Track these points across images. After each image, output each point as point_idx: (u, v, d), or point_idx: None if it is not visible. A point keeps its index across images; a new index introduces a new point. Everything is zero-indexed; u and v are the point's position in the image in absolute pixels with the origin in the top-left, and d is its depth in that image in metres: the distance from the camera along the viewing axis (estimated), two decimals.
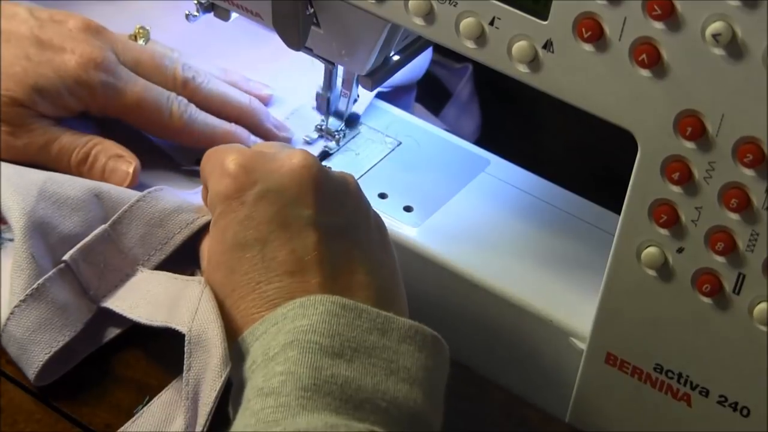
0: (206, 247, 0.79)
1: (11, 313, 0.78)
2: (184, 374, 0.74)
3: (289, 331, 0.70)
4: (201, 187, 0.83)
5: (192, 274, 0.81)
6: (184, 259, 0.82)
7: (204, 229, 0.81)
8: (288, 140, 0.95)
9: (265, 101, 0.97)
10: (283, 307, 0.72)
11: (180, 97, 0.90)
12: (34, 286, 0.78)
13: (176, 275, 0.80)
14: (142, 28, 0.94)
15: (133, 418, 0.77)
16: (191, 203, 0.83)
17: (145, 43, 0.93)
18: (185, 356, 0.74)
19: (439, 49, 1.12)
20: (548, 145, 1.16)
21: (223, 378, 0.71)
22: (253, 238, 0.75)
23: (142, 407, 0.78)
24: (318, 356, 0.69)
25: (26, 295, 0.78)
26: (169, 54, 0.93)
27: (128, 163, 0.87)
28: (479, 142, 1.07)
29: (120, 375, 0.80)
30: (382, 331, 0.71)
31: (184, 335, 0.76)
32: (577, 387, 0.82)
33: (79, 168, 0.87)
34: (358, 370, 0.69)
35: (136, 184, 0.86)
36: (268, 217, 0.75)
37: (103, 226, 0.81)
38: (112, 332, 0.81)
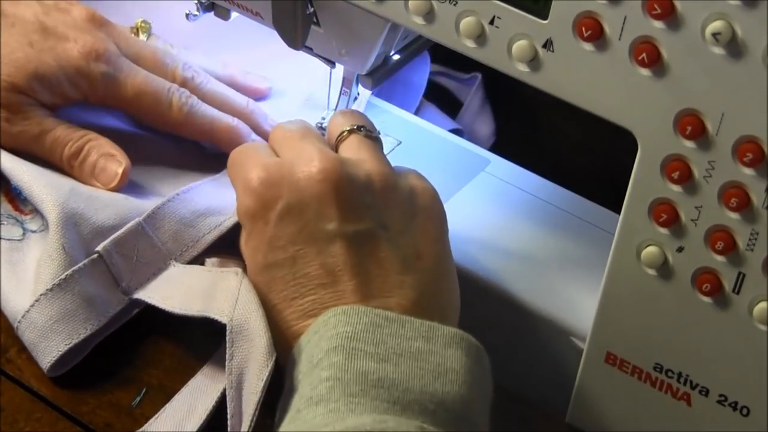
0: (245, 252, 0.79)
1: (36, 300, 0.79)
2: (227, 363, 0.74)
3: (332, 337, 0.71)
4: (219, 175, 0.86)
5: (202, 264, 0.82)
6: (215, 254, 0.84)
7: (238, 227, 0.82)
8: None
9: (263, 95, 0.97)
10: (324, 315, 0.73)
11: (181, 89, 0.89)
12: (62, 276, 0.79)
13: (210, 268, 0.81)
14: (144, 21, 0.94)
15: (164, 408, 0.78)
16: (219, 205, 0.85)
17: (147, 38, 0.94)
18: (227, 345, 0.75)
19: (446, 60, 1.13)
20: (548, 144, 1.16)
21: (269, 367, 0.72)
22: (282, 258, 0.75)
23: (139, 399, 0.78)
24: (364, 362, 0.69)
25: (53, 284, 0.79)
26: (170, 52, 0.93)
27: (118, 163, 0.86)
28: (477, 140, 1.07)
29: (120, 374, 0.80)
30: (427, 338, 0.72)
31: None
32: (576, 386, 0.82)
33: (71, 161, 0.87)
34: (406, 372, 0.69)
35: (124, 185, 0.86)
36: (293, 236, 0.75)
37: (137, 219, 0.82)
38: (129, 315, 0.82)
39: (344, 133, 0.81)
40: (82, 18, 0.88)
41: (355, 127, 0.81)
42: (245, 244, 0.78)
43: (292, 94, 0.99)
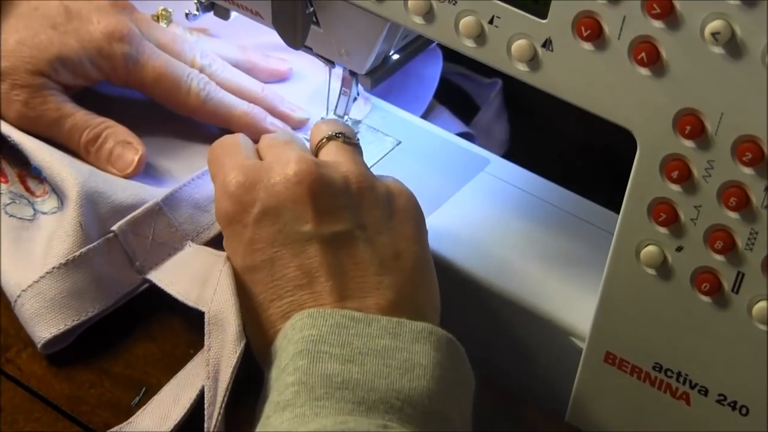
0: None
1: (48, 272, 0.79)
2: (204, 354, 0.75)
3: (298, 341, 0.71)
4: None
5: None
6: None
7: None
8: (305, 121, 0.95)
9: (284, 76, 0.99)
10: (292, 319, 0.73)
11: (200, 75, 0.91)
12: (76, 253, 0.80)
13: (217, 251, 0.81)
14: (164, 10, 0.96)
15: (152, 400, 0.78)
16: None
17: (167, 25, 0.95)
18: (206, 337, 0.75)
19: (468, 63, 1.13)
20: (548, 144, 1.16)
21: (237, 354, 0.72)
22: (260, 261, 0.76)
23: (139, 399, 0.78)
24: (328, 364, 0.69)
25: (68, 259, 0.79)
26: (189, 39, 0.94)
27: (135, 151, 0.88)
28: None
29: (119, 374, 0.80)
30: (394, 334, 0.72)
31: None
32: (576, 386, 0.82)
33: (88, 147, 0.88)
34: (371, 371, 0.69)
35: (139, 173, 0.87)
36: (270, 238, 0.76)
37: (154, 200, 0.83)
38: (133, 294, 0.83)
39: (323, 140, 0.82)
40: (105, 2, 0.89)
41: (334, 134, 0.81)
42: (224, 245, 0.78)
43: (311, 78, 0.99)
